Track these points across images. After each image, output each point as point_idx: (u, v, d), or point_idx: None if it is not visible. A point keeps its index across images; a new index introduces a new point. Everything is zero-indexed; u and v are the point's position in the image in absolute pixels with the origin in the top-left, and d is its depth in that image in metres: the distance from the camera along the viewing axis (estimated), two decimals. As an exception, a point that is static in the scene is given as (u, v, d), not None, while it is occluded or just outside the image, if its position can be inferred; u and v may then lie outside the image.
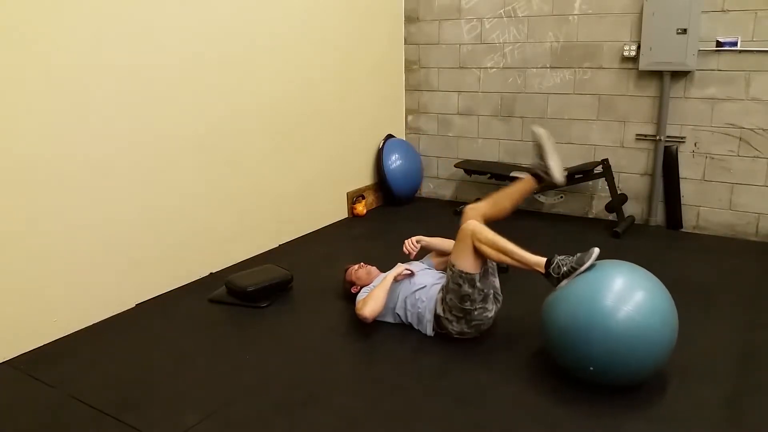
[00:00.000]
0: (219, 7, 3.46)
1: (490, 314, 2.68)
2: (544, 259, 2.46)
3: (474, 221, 2.61)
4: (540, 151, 2.73)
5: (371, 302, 2.74)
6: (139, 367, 2.59)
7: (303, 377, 2.49)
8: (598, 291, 2.24)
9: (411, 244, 3.04)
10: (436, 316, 2.72)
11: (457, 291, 2.60)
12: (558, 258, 2.43)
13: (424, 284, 2.82)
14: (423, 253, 3.16)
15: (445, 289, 2.68)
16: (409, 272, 2.85)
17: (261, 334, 2.88)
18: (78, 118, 2.81)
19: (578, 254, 2.39)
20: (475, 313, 2.62)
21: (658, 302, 2.24)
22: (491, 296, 2.68)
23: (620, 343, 2.16)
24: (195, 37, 3.34)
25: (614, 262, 2.38)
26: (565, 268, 2.38)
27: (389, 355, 2.65)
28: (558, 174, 2.71)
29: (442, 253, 3.05)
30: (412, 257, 3.05)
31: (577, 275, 2.34)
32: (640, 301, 2.20)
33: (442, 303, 2.69)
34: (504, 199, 2.82)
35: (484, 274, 2.61)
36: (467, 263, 2.57)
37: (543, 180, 2.73)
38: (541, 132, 2.73)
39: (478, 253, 2.55)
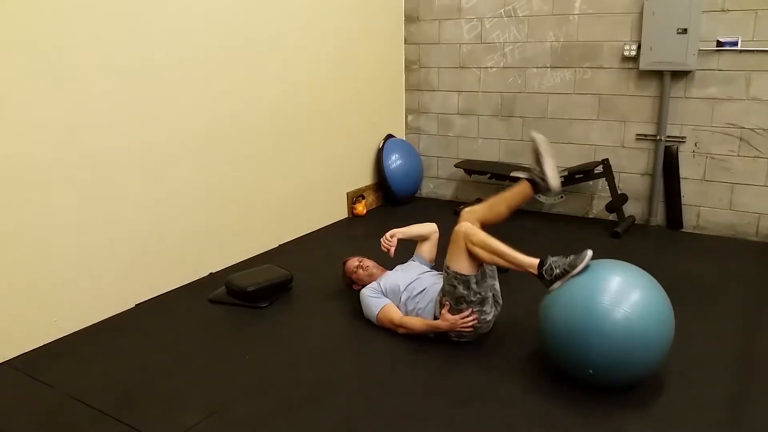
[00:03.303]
0: (219, 8, 3.46)
1: (489, 317, 2.66)
2: (536, 261, 2.42)
3: (467, 223, 2.58)
4: (537, 157, 2.67)
5: (406, 331, 2.76)
6: (139, 367, 2.59)
7: (303, 377, 2.49)
8: (592, 293, 2.23)
9: (386, 242, 3.06)
10: (435, 319, 2.72)
11: (452, 293, 2.59)
12: (551, 259, 2.40)
13: (423, 287, 2.82)
14: (413, 250, 3.19)
15: (441, 291, 2.68)
16: (470, 330, 2.66)
17: (261, 334, 2.88)
18: (77, 117, 2.81)
19: (571, 256, 2.37)
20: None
21: (653, 301, 2.23)
22: (490, 300, 2.66)
23: (617, 344, 2.15)
24: (195, 37, 3.34)
25: (609, 262, 2.37)
26: (557, 270, 2.35)
27: (389, 355, 2.65)
28: (554, 181, 2.65)
29: (423, 239, 3.15)
30: (391, 254, 3.06)
31: (570, 278, 2.32)
32: (636, 301, 2.19)
33: (440, 306, 2.68)
34: (501, 203, 2.76)
35: (482, 277, 2.59)
36: (461, 265, 2.55)
37: (539, 186, 2.68)
38: (539, 138, 2.68)
39: (473, 255, 2.54)
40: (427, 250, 3.16)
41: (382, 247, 3.07)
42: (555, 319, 2.32)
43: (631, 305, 2.17)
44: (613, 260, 2.40)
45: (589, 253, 2.34)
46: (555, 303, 2.34)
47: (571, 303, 2.27)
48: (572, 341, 2.24)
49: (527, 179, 2.69)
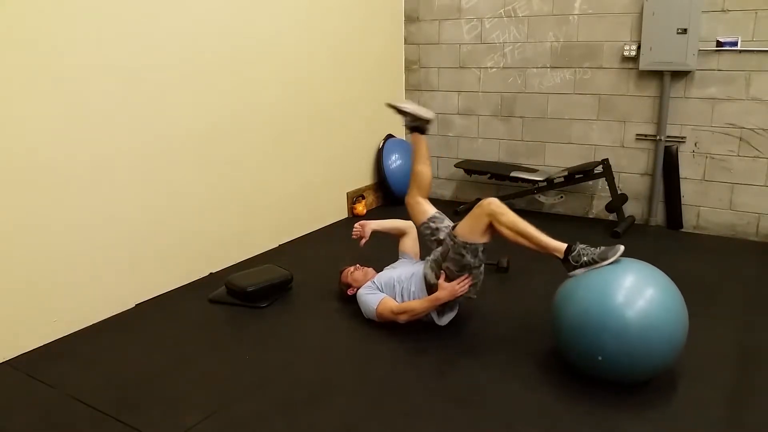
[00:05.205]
0: (219, 8, 3.46)
1: (481, 273, 2.75)
2: (564, 245, 2.45)
3: (496, 201, 2.58)
4: (398, 111, 3.05)
5: (408, 316, 2.79)
6: (139, 367, 2.59)
7: (303, 377, 2.49)
8: (615, 283, 2.27)
9: (357, 229, 3.18)
10: (429, 287, 2.77)
11: (458, 261, 2.64)
12: (580, 246, 2.42)
13: (411, 273, 2.90)
14: (404, 248, 3.24)
15: (441, 258, 2.71)
16: (465, 291, 2.74)
17: (261, 334, 2.88)
18: (78, 117, 2.81)
19: (603, 247, 2.39)
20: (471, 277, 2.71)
21: (672, 300, 2.27)
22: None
23: (633, 334, 2.17)
24: (195, 37, 3.34)
25: (631, 260, 2.40)
26: (585, 258, 2.38)
27: (389, 355, 2.65)
28: (422, 111, 2.95)
29: (402, 234, 3.22)
30: (361, 243, 3.16)
31: (596, 268, 2.35)
32: (656, 297, 2.23)
33: (432, 272, 2.73)
34: (415, 167, 3.05)
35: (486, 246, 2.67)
36: (475, 236, 2.60)
37: (419, 127, 2.98)
38: (393, 102, 3.11)
39: (491, 230, 2.58)
40: (411, 246, 3.21)
41: (353, 234, 3.17)
42: (575, 302, 2.33)
43: (650, 300, 2.21)
44: (635, 259, 2.43)
45: (621, 248, 2.35)
46: (577, 287, 2.37)
47: (593, 288, 2.30)
48: (588, 325, 2.25)
49: (409, 128, 3.08)
